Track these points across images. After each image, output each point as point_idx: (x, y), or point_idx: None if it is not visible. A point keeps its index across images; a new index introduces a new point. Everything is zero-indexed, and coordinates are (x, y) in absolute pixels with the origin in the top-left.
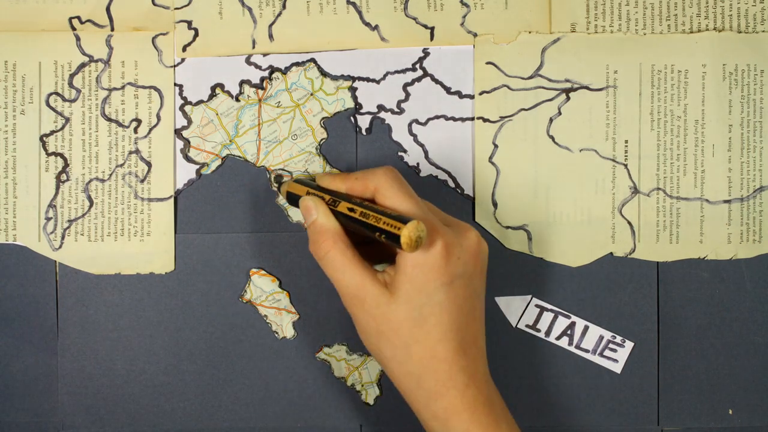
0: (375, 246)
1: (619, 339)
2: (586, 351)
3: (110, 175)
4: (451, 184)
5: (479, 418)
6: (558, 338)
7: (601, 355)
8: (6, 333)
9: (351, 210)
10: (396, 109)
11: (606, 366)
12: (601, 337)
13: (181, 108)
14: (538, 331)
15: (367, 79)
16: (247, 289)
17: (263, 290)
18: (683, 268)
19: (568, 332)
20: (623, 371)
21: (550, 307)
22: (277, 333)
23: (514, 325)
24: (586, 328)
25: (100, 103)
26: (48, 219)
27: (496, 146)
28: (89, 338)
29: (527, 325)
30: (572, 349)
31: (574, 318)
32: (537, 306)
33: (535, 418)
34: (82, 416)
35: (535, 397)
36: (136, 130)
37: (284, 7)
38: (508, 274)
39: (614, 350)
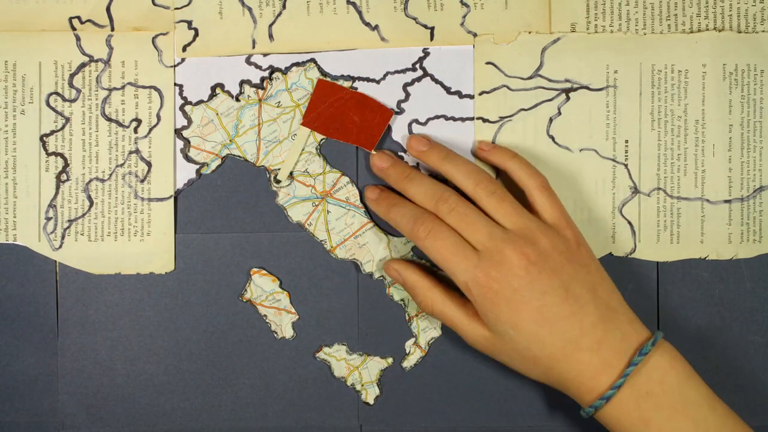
0: None
1: None
2: None
3: (110, 175)
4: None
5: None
6: None
7: None
8: (6, 333)
9: None
10: (396, 109)
11: None
12: None
13: (181, 108)
14: None
15: (367, 79)
16: (247, 288)
17: (263, 290)
18: (683, 268)
19: None
20: None
21: None
22: (276, 333)
23: None
24: None
25: (100, 103)
26: (48, 219)
27: None
28: (89, 338)
29: None
30: None
31: None
32: None
33: (535, 417)
34: (82, 416)
35: (534, 397)
36: (136, 130)
37: (284, 7)
38: None
39: None
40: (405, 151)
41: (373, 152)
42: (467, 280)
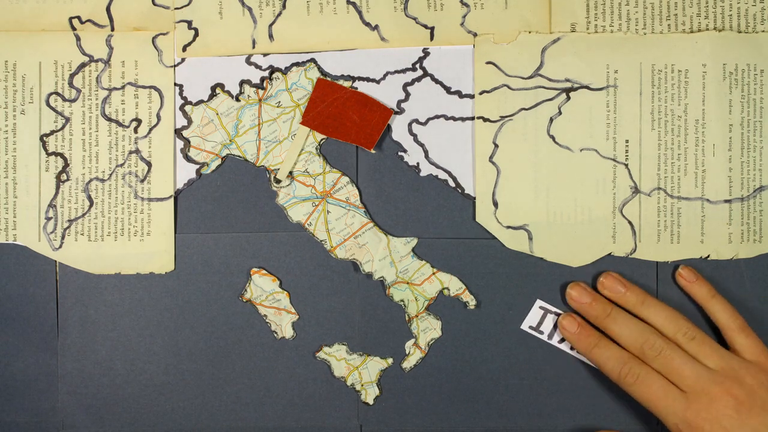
0: None
1: None
2: None
3: (110, 175)
4: (452, 183)
5: None
6: (561, 341)
7: None
8: (6, 333)
9: None
10: (396, 109)
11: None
12: None
13: (181, 108)
14: (541, 333)
15: (367, 79)
16: (247, 288)
17: (263, 290)
18: None
19: None
20: None
21: (554, 309)
22: (276, 333)
23: (519, 327)
24: None
25: (100, 103)
26: (48, 219)
27: (496, 146)
28: (89, 338)
29: (530, 327)
30: (574, 353)
31: None
32: (541, 308)
33: (535, 417)
34: (82, 416)
35: (534, 397)
36: (136, 130)
37: (284, 7)
38: (509, 274)
39: None
40: (405, 151)
41: (571, 285)
42: (678, 422)
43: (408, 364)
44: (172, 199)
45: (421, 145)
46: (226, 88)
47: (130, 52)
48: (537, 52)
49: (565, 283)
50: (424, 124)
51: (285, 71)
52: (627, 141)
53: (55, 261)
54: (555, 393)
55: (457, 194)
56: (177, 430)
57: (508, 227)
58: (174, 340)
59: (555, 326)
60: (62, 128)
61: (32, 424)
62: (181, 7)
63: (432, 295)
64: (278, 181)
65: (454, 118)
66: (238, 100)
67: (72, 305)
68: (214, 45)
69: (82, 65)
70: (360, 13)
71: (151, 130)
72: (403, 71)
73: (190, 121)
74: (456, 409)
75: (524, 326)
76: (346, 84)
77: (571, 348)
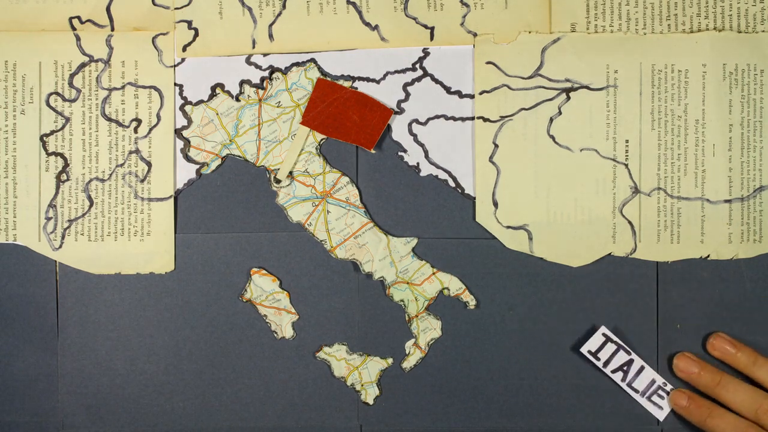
0: None
1: (669, 387)
2: (636, 391)
3: (110, 174)
4: (452, 183)
5: None
6: (614, 372)
7: (649, 399)
8: (6, 333)
9: None
10: (396, 109)
11: (650, 410)
12: (653, 381)
13: (182, 108)
14: (599, 360)
15: (367, 79)
16: (247, 288)
17: (263, 290)
18: (683, 268)
19: (624, 368)
20: (666, 419)
21: (614, 338)
22: (276, 333)
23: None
24: (642, 368)
25: (100, 103)
26: (48, 219)
27: (496, 146)
28: (89, 338)
29: (589, 351)
30: (623, 385)
31: (633, 356)
32: (604, 335)
33: (535, 417)
34: (82, 416)
35: (534, 397)
36: (136, 130)
37: (284, 7)
38: (509, 274)
39: (662, 397)
40: (405, 151)
41: (677, 356)
42: None
43: (408, 364)
44: (172, 199)
45: (421, 145)
46: (226, 88)
47: (130, 52)
48: (537, 52)
49: (671, 354)
50: (424, 124)
51: (285, 71)
52: (627, 141)
53: (55, 261)
54: (555, 393)
55: (457, 194)
56: (177, 430)
57: (508, 227)
58: (174, 340)
59: (612, 355)
60: (62, 128)
61: (32, 424)
62: (181, 7)
63: (432, 295)
64: (278, 181)
65: (454, 118)
66: (238, 100)
67: (72, 305)
68: (214, 45)
69: (82, 65)
70: (360, 13)
71: (151, 130)
72: (403, 71)
73: (190, 121)
74: (456, 409)
75: (583, 350)
76: (346, 84)
77: (622, 380)
